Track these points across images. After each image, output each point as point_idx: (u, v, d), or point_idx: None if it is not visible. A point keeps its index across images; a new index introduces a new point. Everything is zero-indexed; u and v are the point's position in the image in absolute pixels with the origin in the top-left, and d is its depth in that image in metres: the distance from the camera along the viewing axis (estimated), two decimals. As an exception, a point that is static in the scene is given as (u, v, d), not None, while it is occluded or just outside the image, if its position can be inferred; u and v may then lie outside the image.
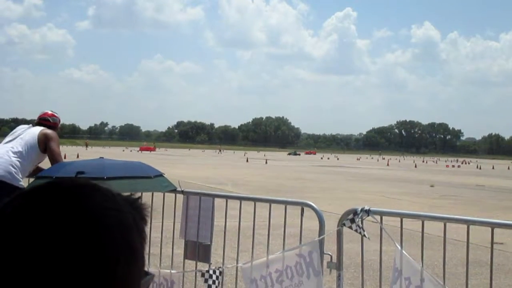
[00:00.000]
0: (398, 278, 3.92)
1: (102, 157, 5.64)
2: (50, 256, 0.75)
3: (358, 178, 35.30)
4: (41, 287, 0.74)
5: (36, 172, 6.24)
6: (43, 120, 6.71)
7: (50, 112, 6.87)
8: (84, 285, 0.76)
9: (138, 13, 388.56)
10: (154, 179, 5.16)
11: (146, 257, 4.40)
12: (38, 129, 6.46)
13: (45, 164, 6.49)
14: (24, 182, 6.27)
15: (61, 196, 0.82)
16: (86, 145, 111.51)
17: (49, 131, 6.49)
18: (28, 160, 6.22)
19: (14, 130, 6.57)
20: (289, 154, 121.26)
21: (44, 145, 6.33)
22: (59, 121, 6.94)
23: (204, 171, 35.73)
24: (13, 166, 6.04)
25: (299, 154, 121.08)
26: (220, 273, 4.62)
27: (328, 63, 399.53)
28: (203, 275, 4.63)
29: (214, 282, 4.57)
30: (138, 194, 0.90)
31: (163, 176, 5.27)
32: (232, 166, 46.55)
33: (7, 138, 6.42)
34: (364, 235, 4.12)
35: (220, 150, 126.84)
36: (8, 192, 1.98)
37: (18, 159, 6.14)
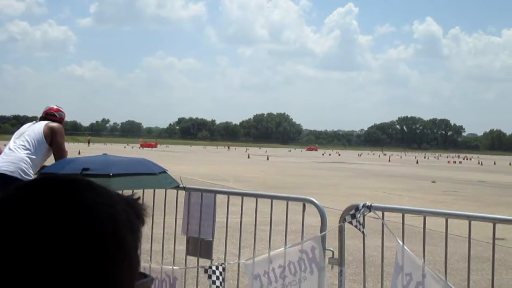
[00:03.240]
0: (399, 274, 3.93)
1: (106, 154, 5.64)
2: (34, 246, 0.75)
3: (359, 174, 35.29)
4: (23, 277, 0.74)
5: (40, 169, 6.25)
6: (50, 115, 6.72)
7: (55, 107, 6.88)
8: (69, 276, 0.75)
9: (140, 9, 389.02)
10: (159, 176, 5.16)
11: (148, 253, 4.41)
12: (43, 124, 6.47)
13: (48, 161, 6.49)
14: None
15: (53, 189, 0.82)
16: (89, 142, 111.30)
17: (54, 124, 6.49)
18: (38, 155, 6.23)
19: (20, 128, 6.58)
20: None
21: (50, 139, 6.33)
22: (65, 116, 6.96)
23: (206, 168, 35.71)
24: (24, 162, 6.06)
25: None
26: (224, 269, 4.63)
27: (330, 59, 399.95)
28: (206, 271, 4.64)
29: (218, 278, 4.58)
30: (139, 194, 0.89)
31: (167, 173, 5.27)
32: (233, 163, 46.53)
33: (15, 136, 6.43)
34: (363, 232, 4.12)
35: (228, 147, 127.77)
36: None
37: (28, 154, 6.16)
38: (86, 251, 0.77)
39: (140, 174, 5.08)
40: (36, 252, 0.75)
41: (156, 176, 5.12)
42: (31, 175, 6.08)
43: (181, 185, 5.05)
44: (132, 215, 0.87)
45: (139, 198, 0.94)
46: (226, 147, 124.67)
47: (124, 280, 0.82)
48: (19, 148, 6.19)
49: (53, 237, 0.76)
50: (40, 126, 6.42)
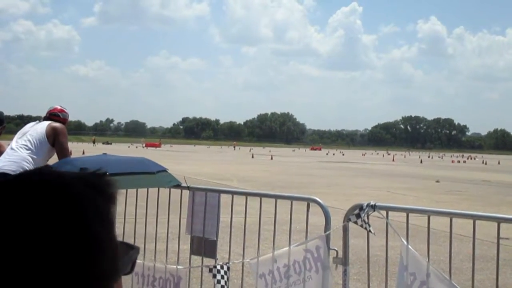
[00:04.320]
0: (404, 273, 3.93)
1: (105, 153, 5.66)
2: None
3: (363, 173, 35.26)
4: None
5: None
6: (53, 116, 6.73)
7: (59, 107, 6.89)
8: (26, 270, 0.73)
9: (144, 9, 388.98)
10: (158, 175, 5.17)
11: (152, 253, 4.41)
12: (46, 124, 6.48)
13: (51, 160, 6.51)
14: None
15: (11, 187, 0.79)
16: (94, 142, 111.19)
17: (57, 125, 6.50)
18: (40, 155, 6.24)
19: (23, 128, 6.59)
20: None
21: (52, 139, 6.34)
22: (68, 116, 6.96)
23: (210, 167, 35.74)
24: (26, 162, 6.08)
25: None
26: (228, 268, 4.63)
27: (334, 59, 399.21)
28: (210, 270, 4.64)
29: (222, 277, 4.59)
30: (104, 170, 0.82)
31: (167, 172, 5.28)
32: (237, 162, 46.55)
33: (18, 136, 6.44)
34: (370, 231, 4.12)
35: (234, 146, 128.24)
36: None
37: (31, 154, 6.17)
38: (34, 247, 0.73)
39: (138, 173, 5.10)
40: None
41: (154, 175, 5.13)
42: None
43: (185, 185, 5.05)
44: (98, 198, 0.82)
45: (102, 173, 0.89)
46: (233, 147, 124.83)
47: (101, 274, 0.79)
48: (21, 147, 6.21)
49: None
50: (42, 126, 6.43)
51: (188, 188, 5.04)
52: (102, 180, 0.86)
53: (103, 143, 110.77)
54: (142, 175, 5.11)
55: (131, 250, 0.91)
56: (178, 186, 5.15)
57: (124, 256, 0.88)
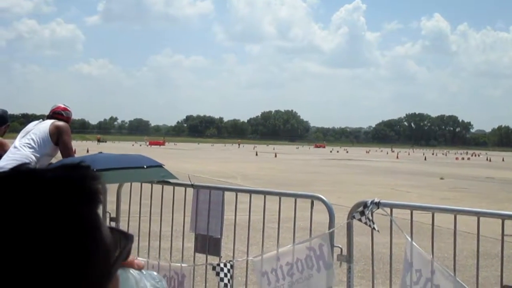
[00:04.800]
0: (409, 270, 3.92)
1: (101, 152, 5.72)
2: None
3: (367, 171, 35.22)
4: None
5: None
6: (57, 114, 6.72)
7: (63, 106, 6.87)
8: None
9: (148, 7, 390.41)
10: (150, 169, 5.24)
11: (157, 251, 4.41)
12: (49, 122, 6.48)
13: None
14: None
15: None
16: (98, 140, 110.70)
17: (60, 123, 6.50)
18: (42, 153, 6.24)
19: (27, 127, 6.59)
20: None
21: (56, 138, 6.34)
22: (71, 115, 6.96)
23: (214, 165, 35.75)
24: (29, 160, 6.07)
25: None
26: (232, 266, 4.63)
27: (338, 56, 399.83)
28: (214, 268, 4.65)
29: (226, 275, 4.59)
30: (86, 162, 0.76)
31: (162, 167, 5.34)
32: (241, 160, 46.55)
33: (21, 134, 6.45)
34: (374, 228, 4.11)
35: (239, 144, 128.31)
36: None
37: (34, 153, 6.17)
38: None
39: (127, 168, 5.15)
40: None
41: (144, 169, 5.19)
42: None
43: (189, 183, 5.06)
44: (77, 200, 0.78)
45: (83, 166, 0.83)
46: (238, 145, 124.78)
47: (89, 282, 0.77)
48: (24, 146, 6.21)
49: None
50: (46, 125, 6.43)
51: (192, 186, 5.05)
52: (82, 175, 0.82)
53: (97, 142, 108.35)
54: (132, 170, 5.18)
55: (124, 239, 0.88)
56: (183, 184, 5.16)
57: (116, 248, 0.85)
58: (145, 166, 5.23)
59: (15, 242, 0.72)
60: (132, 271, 1.03)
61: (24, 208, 0.74)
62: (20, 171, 0.80)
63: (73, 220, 0.76)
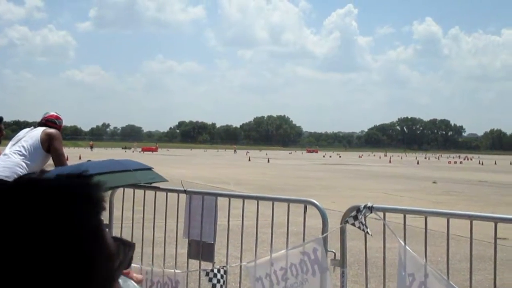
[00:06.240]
0: (402, 274, 3.92)
1: (90, 160, 5.76)
2: None
3: (360, 175, 35.28)
4: None
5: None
6: (50, 122, 6.72)
7: (55, 114, 6.87)
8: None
9: (140, 13, 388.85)
10: (139, 172, 5.25)
11: (150, 257, 4.40)
12: (41, 129, 6.47)
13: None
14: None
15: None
16: (91, 147, 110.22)
17: (52, 131, 6.49)
18: (33, 161, 6.22)
19: (18, 134, 6.58)
20: None
21: (47, 145, 6.33)
22: (63, 123, 6.97)
23: (207, 171, 35.71)
24: (19, 167, 6.06)
25: None
26: (225, 272, 4.63)
27: (330, 61, 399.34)
28: (207, 274, 4.64)
29: (218, 281, 4.58)
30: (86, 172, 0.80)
31: (151, 170, 5.37)
32: (234, 166, 46.53)
33: (12, 142, 6.44)
34: (367, 232, 4.12)
35: (235, 150, 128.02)
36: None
37: (24, 160, 6.16)
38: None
39: (113, 172, 5.17)
40: None
41: (130, 172, 5.21)
42: None
43: (182, 188, 5.05)
44: (81, 206, 0.82)
45: (86, 176, 0.87)
46: (233, 151, 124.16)
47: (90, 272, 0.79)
48: (14, 153, 6.20)
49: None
50: (37, 132, 6.42)
51: (185, 191, 5.04)
52: (87, 183, 0.85)
53: (90, 148, 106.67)
54: (119, 173, 5.20)
55: (127, 247, 0.93)
56: (175, 190, 5.16)
57: (119, 256, 0.89)
58: (131, 169, 5.26)
59: (23, 248, 0.75)
60: (131, 282, 1.05)
61: (32, 215, 0.77)
62: (26, 180, 0.84)
63: (79, 225, 0.80)
